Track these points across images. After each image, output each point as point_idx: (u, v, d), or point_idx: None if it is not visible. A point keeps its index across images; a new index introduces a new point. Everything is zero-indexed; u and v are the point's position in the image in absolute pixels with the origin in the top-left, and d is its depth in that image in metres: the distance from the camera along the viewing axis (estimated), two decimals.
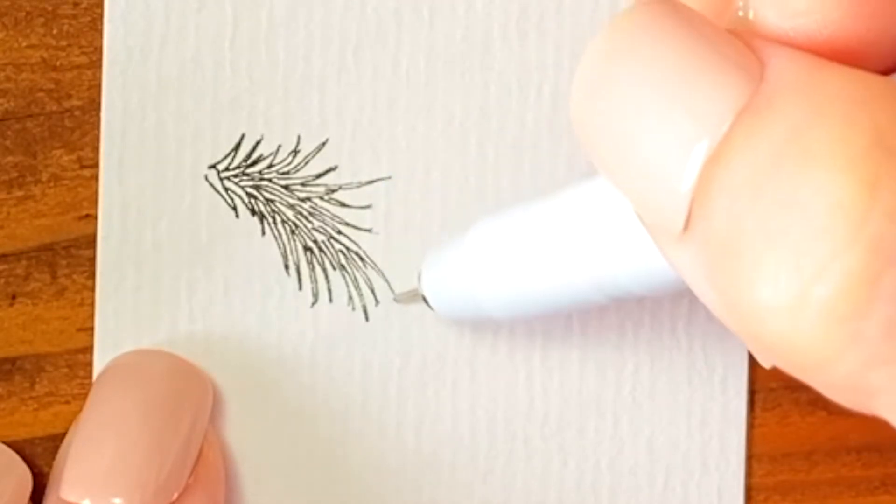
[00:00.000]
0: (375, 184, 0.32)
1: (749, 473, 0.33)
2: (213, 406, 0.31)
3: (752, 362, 0.33)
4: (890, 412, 0.20)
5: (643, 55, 0.21)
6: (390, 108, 0.31)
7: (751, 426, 0.33)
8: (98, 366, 0.31)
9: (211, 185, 0.31)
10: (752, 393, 0.33)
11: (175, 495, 0.28)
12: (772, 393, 0.33)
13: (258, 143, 0.31)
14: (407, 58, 0.31)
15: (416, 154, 0.31)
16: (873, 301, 0.18)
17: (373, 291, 0.32)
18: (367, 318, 0.32)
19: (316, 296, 0.31)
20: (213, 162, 0.31)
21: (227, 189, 0.31)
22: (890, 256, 0.18)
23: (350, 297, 0.32)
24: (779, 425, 0.33)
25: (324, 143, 0.31)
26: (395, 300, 0.32)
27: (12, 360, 0.31)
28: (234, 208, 0.31)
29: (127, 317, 0.31)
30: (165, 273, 0.31)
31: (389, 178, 0.31)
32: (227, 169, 0.31)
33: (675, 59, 0.20)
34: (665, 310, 0.32)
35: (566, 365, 0.32)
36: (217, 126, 0.31)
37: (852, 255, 0.18)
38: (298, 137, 0.31)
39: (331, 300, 0.31)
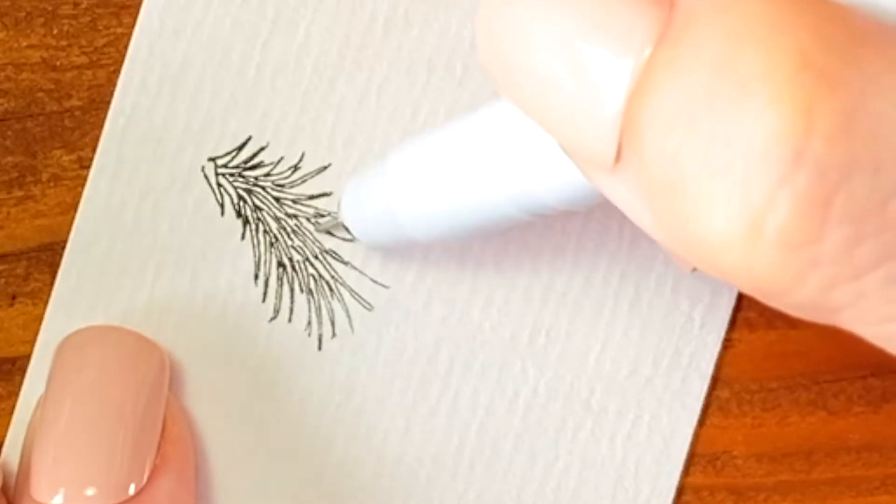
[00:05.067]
0: None
1: (749, 473, 0.33)
2: (176, 382, 0.31)
3: (754, 357, 0.33)
4: (854, 325, 0.19)
5: None
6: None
7: (751, 425, 0.33)
8: (47, 323, 0.31)
9: (205, 176, 0.31)
10: (751, 393, 0.33)
11: (146, 473, 0.28)
12: (772, 393, 0.33)
13: (262, 149, 0.31)
14: (429, 107, 0.31)
15: None
16: (827, 224, 0.18)
17: (332, 323, 0.32)
18: (319, 348, 0.32)
19: (277, 312, 0.31)
20: (213, 155, 0.31)
21: (219, 185, 0.31)
22: (837, 177, 0.18)
23: (309, 323, 0.32)
24: (779, 425, 0.33)
25: (325, 167, 0.31)
26: (317, 229, 0.31)
27: (12, 360, 0.31)
28: (222, 206, 0.31)
29: (89, 281, 0.31)
30: (137, 249, 0.31)
31: None
32: (225, 166, 0.31)
33: None
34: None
35: (501, 443, 0.32)
36: (227, 121, 0.31)
37: (799, 181, 0.18)
38: (302, 154, 0.31)
39: (290, 320, 0.31)
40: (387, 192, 0.28)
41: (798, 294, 0.19)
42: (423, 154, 0.28)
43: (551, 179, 0.25)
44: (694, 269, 0.21)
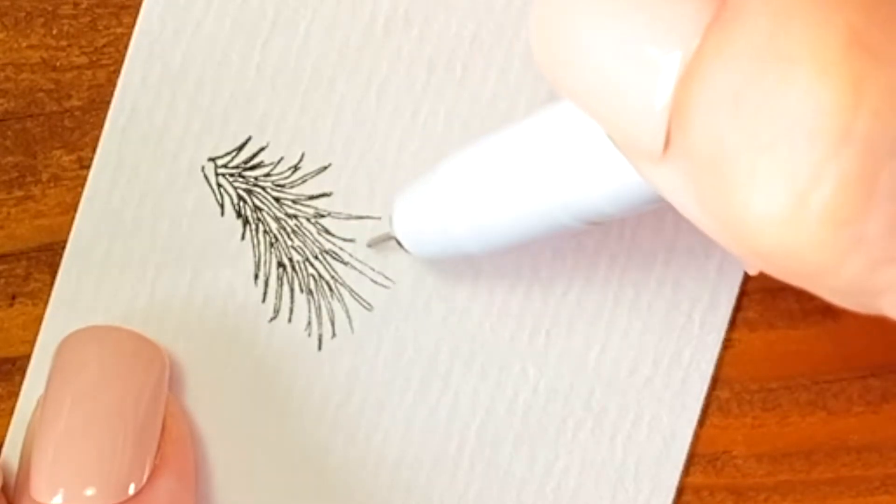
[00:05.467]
0: (364, 220, 0.32)
1: (749, 473, 0.33)
2: (176, 382, 0.31)
3: (754, 357, 0.33)
4: (894, 310, 0.19)
5: None
6: (399, 151, 0.31)
7: (751, 425, 0.33)
8: (47, 323, 0.31)
9: (206, 177, 0.31)
10: (751, 393, 0.33)
11: (146, 473, 0.28)
12: (772, 393, 0.33)
13: (262, 149, 0.31)
14: (428, 107, 0.31)
15: None
16: (872, 201, 0.18)
17: (332, 323, 0.32)
18: (319, 348, 0.32)
19: (277, 312, 0.31)
20: (213, 155, 0.31)
21: (219, 185, 0.31)
22: (883, 154, 0.18)
23: (309, 323, 0.32)
24: (779, 425, 0.33)
25: (325, 167, 0.31)
26: (368, 245, 0.31)
27: (12, 360, 0.31)
28: (222, 206, 0.31)
29: (89, 281, 0.31)
30: (137, 249, 0.31)
31: (379, 218, 0.31)
32: (225, 166, 0.31)
33: None
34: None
35: (501, 443, 0.32)
36: (227, 121, 0.31)
37: (845, 157, 0.18)
38: (302, 155, 0.31)
39: (290, 321, 0.31)
40: (439, 206, 0.28)
41: (841, 275, 0.19)
42: (475, 164, 0.27)
43: (606, 185, 0.25)
44: (761, 273, 0.21)
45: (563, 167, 0.25)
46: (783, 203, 0.18)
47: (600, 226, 0.26)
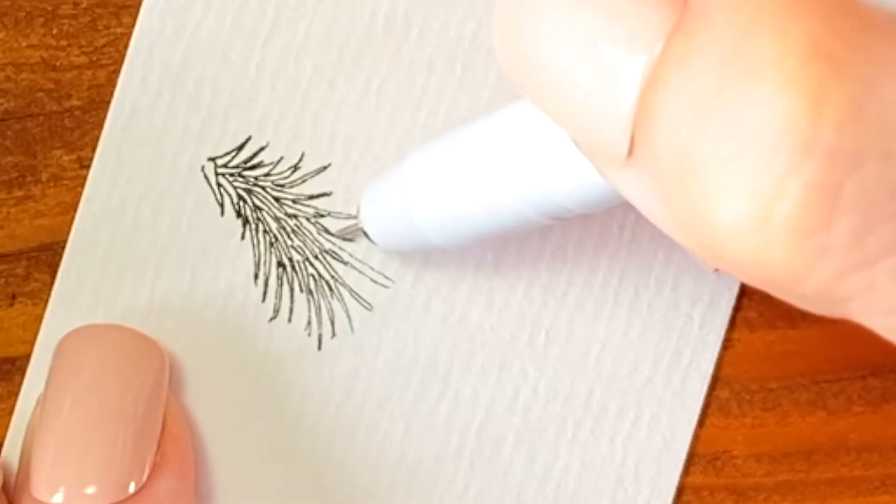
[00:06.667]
0: None
1: (749, 473, 0.33)
2: (176, 382, 0.31)
3: (754, 357, 0.33)
4: (862, 316, 0.19)
5: None
6: (399, 152, 0.31)
7: (751, 425, 0.33)
8: (47, 323, 0.31)
9: (205, 177, 0.31)
10: (751, 393, 0.33)
11: (146, 471, 0.28)
12: (772, 393, 0.33)
13: (262, 149, 0.31)
14: (429, 107, 0.31)
15: None
16: (836, 212, 0.18)
17: (332, 323, 0.32)
18: (319, 348, 0.32)
19: (276, 312, 0.31)
20: (213, 155, 0.31)
21: (219, 185, 0.31)
22: (846, 165, 0.18)
23: (309, 323, 0.32)
24: (779, 425, 0.33)
25: (325, 167, 0.31)
26: (336, 235, 0.31)
27: (12, 360, 0.31)
28: (222, 206, 0.31)
29: (89, 281, 0.31)
30: (137, 249, 0.31)
31: None
32: (225, 166, 0.31)
33: None
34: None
35: (501, 443, 0.32)
36: (227, 121, 0.31)
37: (809, 168, 0.18)
38: (302, 155, 0.31)
39: (290, 320, 0.31)
40: (404, 197, 0.28)
41: (807, 284, 0.19)
42: (440, 158, 0.28)
43: (568, 181, 0.25)
44: (716, 270, 0.21)
45: (524, 162, 0.25)
46: (748, 213, 0.18)
47: (564, 220, 0.26)
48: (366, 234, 0.30)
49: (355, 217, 0.31)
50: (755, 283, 0.19)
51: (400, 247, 0.30)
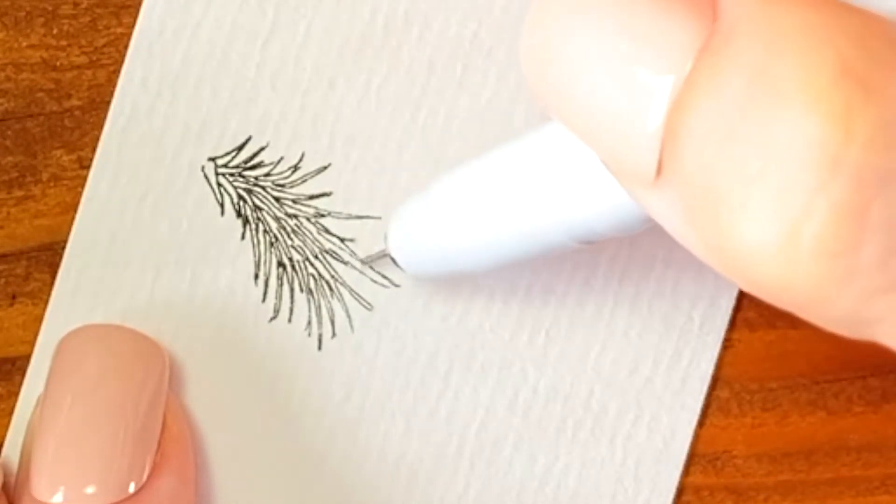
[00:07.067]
0: (364, 220, 0.32)
1: (749, 473, 0.33)
2: (176, 382, 0.31)
3: (754, 357, 0.33)
4: (889, 339, 0.19)
5: (590, 2, 0.20)
6: (398, 152, 0.31)
7: (751, 425, 0.33)
8: (47, 323, 0.31)
9: (206, 177, 0.31)
10: (751, 393, 0.33)
11: (146, 471, 0.28)
12: (772, 393, 0.33)
13: (262, 149, 0.31)
14: (429, 107, 0.31)
15: None
16: (864, 232, 0.18)
17: (332, 323, 0.32)
18: (319, 348, 0.32)
19: (277, 312, 0.31)
20: (213, 155, 0.31)
21: (219, 185, 0.31)
22: (874, 185, 0.18)
23: (309, 323, 0.32)
24: (779, 425, 0.33)
25: (325, 167, 0.31)
26: (362, 262, 0.31)
27: (12, 360, 0.31)
28: (222, 206, 0.31)
29: (89, 281, 0.31)
30: (137, 249, 0.31)
31: (379, 218, 0.31)
32: (225, 166, 0.31)
33: (622, 4, 0.20)
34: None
35: (501, 443, 0.32)
36: (227, 121, 0.31)
37: (836, 188, 0.18)
38: (302, 154, 0.31)
39: (290, 321, 0.31)
40: (433, 225, 0.28)
41: (835, 306, 0.19)
42: (468, 184, 0.27)
43: (599, 205, 0.25)
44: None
45: (555, 186, 0.25)
46: (775, 234, 0.18)
47: (595, 245, 0.26)
48: (394, 262, 0.30)
49: (377, 218, 0.31)
50: (782, 304, 0.19)
51: (430, 273, 0.30)
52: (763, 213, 0.18)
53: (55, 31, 0.31)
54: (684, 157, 0.19)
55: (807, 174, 0.18)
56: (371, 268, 0.32)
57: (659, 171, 0.20)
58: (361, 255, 0.31)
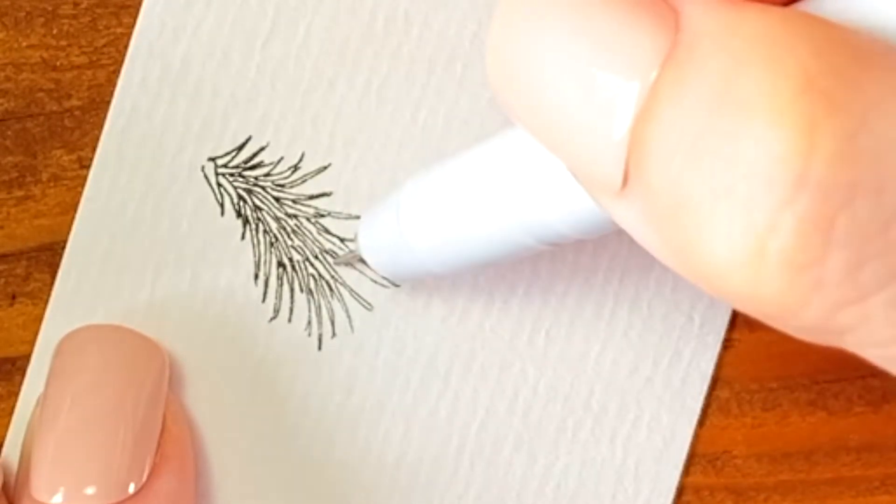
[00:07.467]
0: None
1: (749, 473, 0.33)
2: (176, 382, 0.31)
3: (754, 357, 0.33)
4: (858, 348, 0.19)
5: (554, 10, 0.20)
6: (398, 153, 0.31)
7: (751, 425, 0.33)
8: (47, 323, 0.31)
9: (206, 177, 0.31)
10: (751, 393, 0.33)
11: (146, 471, 0.28)
12: (772, 393, 0.33)
13: (262, 149, 0.31)
14: (429, 107, 0.31)
15: None
16: (829, 246, 0.18)
17: (332, 323, 0.32)
18: (319, 348, 0.32)
19: (277, 312, 0.31)
20: (213, 155, 0.31)
21: (219, 185, 0.31)
22: (839, 199, 0.18)
23: (309, 323, 0.32)
24: (779, 425, 0.33)
25: (325, 167, 0.31)
26: (335, 262, 0.31)
27: (12, 360, 0.31)
28: (222, 206, 0.31)
29: (89, 281, 0.31)
30: (137, 249, 0.31)
31: None
32: (225, 166, 0.31)
33: (585, 11, 0.20)
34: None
35: (501, 443, 0.32)
36: (227, 121, 0.31)
37: (801, 203, 0.18)
38: (302, 155, 0.31)
39: (290, 321, 0.31)
40: (401, 225, 0.28)
41: (803, 317, 0.19)
42: (436, 185, 0.28)
43: (565, 208, 0.25)
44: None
45: (518, 188, 0.25)
46: (742, 248, 0.18)
47: (560, 246, 0.26)
48: (363, 262, 0.30)
49: (353, 241, 0.31)
50: (751, 314, 0.19)
51: (398, 274, 0.30)
52: (730, 227, 0.18)
53: (55, 31, 0.31)
54: (650, 167, 0.19)
55: (772, 189, 0.18)
56: (371, 268, 0.32)
57: (625, 180, 0.20)
58: (334, 261, 0.32)
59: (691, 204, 0.19)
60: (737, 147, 0.18)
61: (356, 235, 0.30)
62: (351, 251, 0.31)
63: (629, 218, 0.20)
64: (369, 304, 0.32)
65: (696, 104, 0.19)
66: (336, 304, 0.32)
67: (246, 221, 0.31)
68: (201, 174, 0.31)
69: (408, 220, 0.28)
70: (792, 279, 0.18)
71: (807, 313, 0.19)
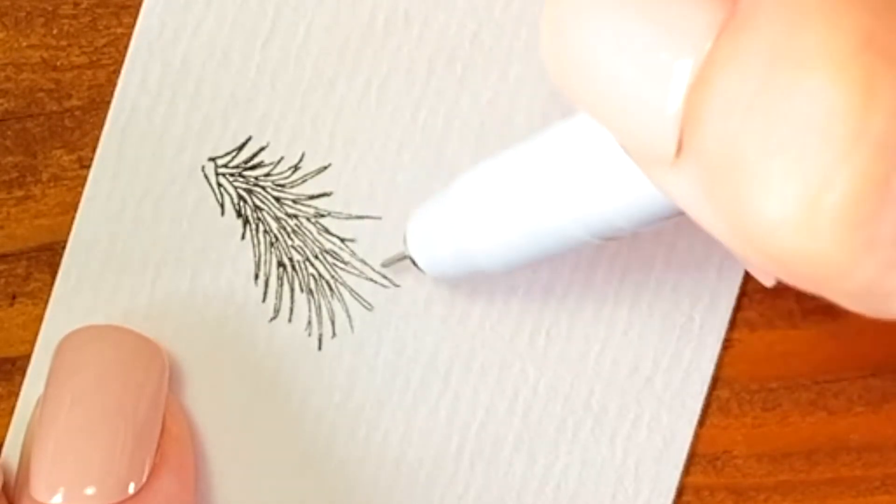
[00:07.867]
0: (364, 220, 0.32)
1: (749, 473, 0.33)
2: (176, 382, 0.31)
3: (754, 357, 0.33)
4: None
5: None
6: (398, 153, 0.31)
7: (751, 425, 0.33)
8: (47, 323, 0.31)
9: (206, 177, 0.31)
10: (751, 393, 0.33)
11: (146, 472, 0.28)
12: (772, 393, 0.33)
13: (262, 149, 0.31)
14: (429, 107, 0.31)
15: (411, 202, 0.31)
16: (885, 202, 0.18)
17: (333, 323, 0.32)
18: (320, 348, 0.32)
19: (277, 312, 0.31)
20: (213, 155, 0.31)
21: (220, 185, 0.31)
22: (895, 157, 0.18)
23: (309, 323, 0.32)
24: (779, 425, 0.33)
25: (325, 167, 0.31)
26: (382, 265, 0.31)
27: (12, 360, 0.31)
28: (222, 206, 0.31)
29: (89, 281, 0.31)
30: (137, 249, 0.31)
31: (380, 218, 0.31)
32: (225, 166, 0.31)
33: None
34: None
35: (501, 443, 0.32)
36: (227, 121, 0.31)
37: (858, 158, 0.18)
38: (302, 155, 0.31)
39: (290, 320, 0.31)
40: (452, 225, 0.28)
41: (854, 278, 0.19)
42: (487, 182, 0.27)
43: (623, 200, 0.25)
44: (777, 283, 0.21)
45: (575, 182, 0.25)
46: (796, 206, 0.18)
47: (615, 241, 0.26)
48: (414, 264, 0.30)
49: (377, 218, 0.31)
50: (801, 280, 0.19)
51: (451, 275, 0.30)
52: (784, 186, 0.18)
53: (55, 31, 0.31)
54: (704, 134, 0.19)
55: (829, 145, 0.18)
56: (371, 268, 0.32)
57: (679, 149, 0.20)
58: (361, 254, 0.31)
59: (745, 163, 0.19)
60: (793, 104, 0.18)
61: (404, 236, 0.30)
62: (400, 253, 0.31)
63: (682, 189, 0.20)
64: (369, 304, 0.32)
65: (752, 66, 0.19)
66: (336, 304, 0.32)
67: (246, 221, 0.31)
68: (201, 174, 0.31)
69: (460, 219, 0.28)
70: (845, 236, 0.18)
71: (858, 273, 0.18)
